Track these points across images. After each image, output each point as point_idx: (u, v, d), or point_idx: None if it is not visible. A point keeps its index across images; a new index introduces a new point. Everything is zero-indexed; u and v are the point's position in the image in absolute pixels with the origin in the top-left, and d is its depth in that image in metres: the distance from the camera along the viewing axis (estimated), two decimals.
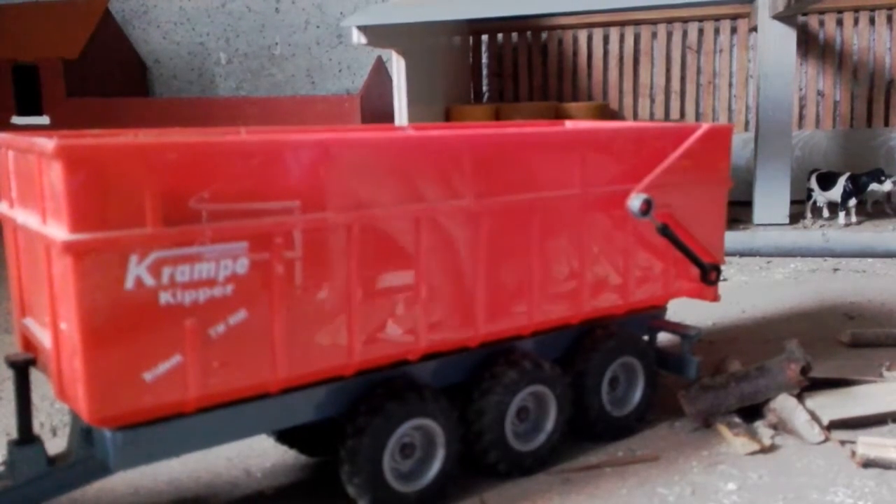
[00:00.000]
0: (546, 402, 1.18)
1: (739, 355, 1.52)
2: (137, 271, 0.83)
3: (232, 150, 0.89)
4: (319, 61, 4.20)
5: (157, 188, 0.83)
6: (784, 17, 3.06)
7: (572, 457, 1.22)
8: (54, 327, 0.87)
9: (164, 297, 0.85)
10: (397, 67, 2.98)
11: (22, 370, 0.95)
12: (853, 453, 1.18)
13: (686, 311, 1.75)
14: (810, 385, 1.33)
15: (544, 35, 4.05)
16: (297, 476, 1.19)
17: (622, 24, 3.94)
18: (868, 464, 1.16)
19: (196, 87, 4.51)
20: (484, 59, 4.11)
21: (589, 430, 1.26)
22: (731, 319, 1.96)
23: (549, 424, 1.18)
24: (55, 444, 1.22)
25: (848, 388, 1.38)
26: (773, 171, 3.17)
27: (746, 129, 3.91)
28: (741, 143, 3.67)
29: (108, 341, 0.83)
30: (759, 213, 3.21)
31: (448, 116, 3.40)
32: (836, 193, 3.17)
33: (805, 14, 3.68)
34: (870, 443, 1.17)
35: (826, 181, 3.22)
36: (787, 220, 3.20)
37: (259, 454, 1.25)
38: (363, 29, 2.72)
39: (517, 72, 4.08)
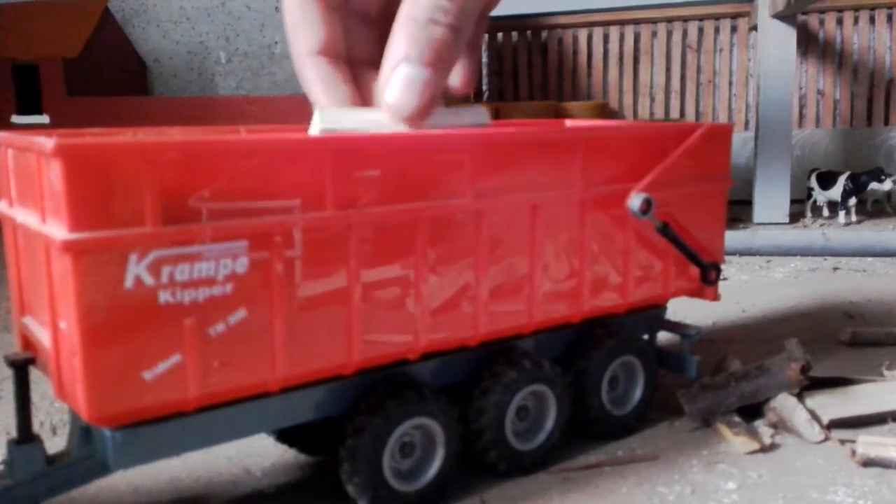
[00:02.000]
0: (546, 401, 1.18)
1: (739, 355, 1.52)
2: (137, 270, 0.83)
3: (232, 149, 0.89)
4: None
5: (156, 187, 0.83)
6: (784, 17, 3.06)
7: (572, 456, 1.22)
8: (54, 326, 0.87)
9: (164, 297, 0.85)
10: None
11: (21, 369, 0.95)
12: (853, 452, 1.18)
13: (686, 310, 1.75)
14: (810, 384, 1.33)
15: (544, 34, 4.05)
16: (297, 475, 1.19)
17: (622, 23, 3.94)
18: (868, 463, 1.16)
19: (196, 85, 4.51)
20: (484, 59, 4.11)
21: (589, 429, 1.26)
22: (731, 319, 1.96)
23: (549, 423, 1.18)
24: (55, 443, 1.22)
25: (848, 388, 1.38)
26: (773, 170, 3.18)
27: (746, 128, 3.91)
28: (741, 142, 3.67)
29: (107, 340, 0.82)
30: (759, 212, 3.21)
31: None
32: (836, 192, 3.17)
33: (805, 13, 3.68)
34: (870, 442, 1.17)
35: (826, 180, 3.22)
36: (787, 219, 3.20)
37: (259, 453, 1.25)
38: None
39: (517, 71, 4.08)
